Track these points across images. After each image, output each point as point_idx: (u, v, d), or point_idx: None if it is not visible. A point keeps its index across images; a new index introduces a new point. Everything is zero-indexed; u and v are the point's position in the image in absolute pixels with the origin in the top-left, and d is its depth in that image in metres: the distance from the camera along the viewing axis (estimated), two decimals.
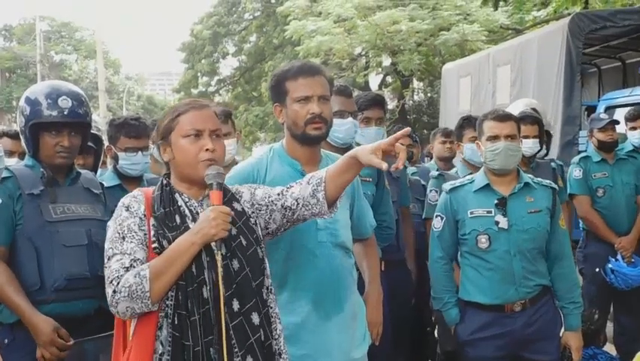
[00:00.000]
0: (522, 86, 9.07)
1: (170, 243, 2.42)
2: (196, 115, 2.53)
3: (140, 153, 3.98)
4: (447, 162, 6.11)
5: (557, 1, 13.38)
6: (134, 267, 2.37)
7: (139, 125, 4.01)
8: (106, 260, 2.42)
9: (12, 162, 4.23)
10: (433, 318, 4.95)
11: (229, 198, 2.55)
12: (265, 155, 3.11)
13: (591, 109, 8.06)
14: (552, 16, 13.45)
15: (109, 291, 2.36)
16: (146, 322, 2.39)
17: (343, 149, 3.87)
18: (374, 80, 22.82)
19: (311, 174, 2.63)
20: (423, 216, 5.00)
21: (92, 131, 3.68)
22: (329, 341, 2.99)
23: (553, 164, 5.37)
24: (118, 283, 2.33)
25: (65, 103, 3.32)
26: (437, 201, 4.53)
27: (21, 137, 3.42)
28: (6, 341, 3.22)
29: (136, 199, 2.51)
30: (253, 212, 2.60)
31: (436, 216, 3.97)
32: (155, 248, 2.43)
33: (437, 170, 5.58)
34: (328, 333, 2.99)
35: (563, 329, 3.89)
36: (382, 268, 3.77)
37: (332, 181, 2.57)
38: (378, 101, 4.47)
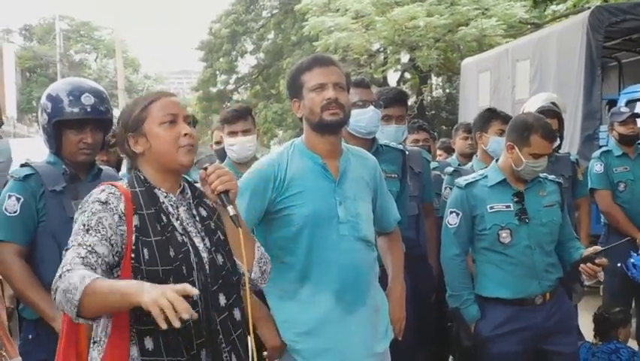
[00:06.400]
0: (541, 80, 9.02)
1: (150, 250, 2.27)
2: (168, 102, 2.44)
3: None
4: (469, 157, 6.03)
5: None
6: (89, 259, 2.17)
7: None
8: (64, 253, 2.23)
9: None
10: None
11: (198, 194, 2.50)
12: (286, 150, 3.10)
13: (612, 103, 7.99)
14: (571, 10, 13.36)
15: (56, 275, 2.14)
16: (118, 341, 2.24)
17: (367, 140, 3.84)
18: (392, 77, 22.75)
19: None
20: (440, 215, 4.62)
21: (114, 127, 3.67)
22: (352, 335, 2.99)
23: (571, 157, 5.34)
24: (66, 271, 2.12)
25: (88, 100, 3.34)
26: None
27: (42, 134, 3.45)
28: (30, 336, 3.27)
29: (114, 195, 2.33)
30: None
31: (451, 213, 3.90)
32: (132, 258, 2.26)
33: (458, 165, 5.50)
34: (351, 327, 2.99)
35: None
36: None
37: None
38: (400, 99, 4.33)
